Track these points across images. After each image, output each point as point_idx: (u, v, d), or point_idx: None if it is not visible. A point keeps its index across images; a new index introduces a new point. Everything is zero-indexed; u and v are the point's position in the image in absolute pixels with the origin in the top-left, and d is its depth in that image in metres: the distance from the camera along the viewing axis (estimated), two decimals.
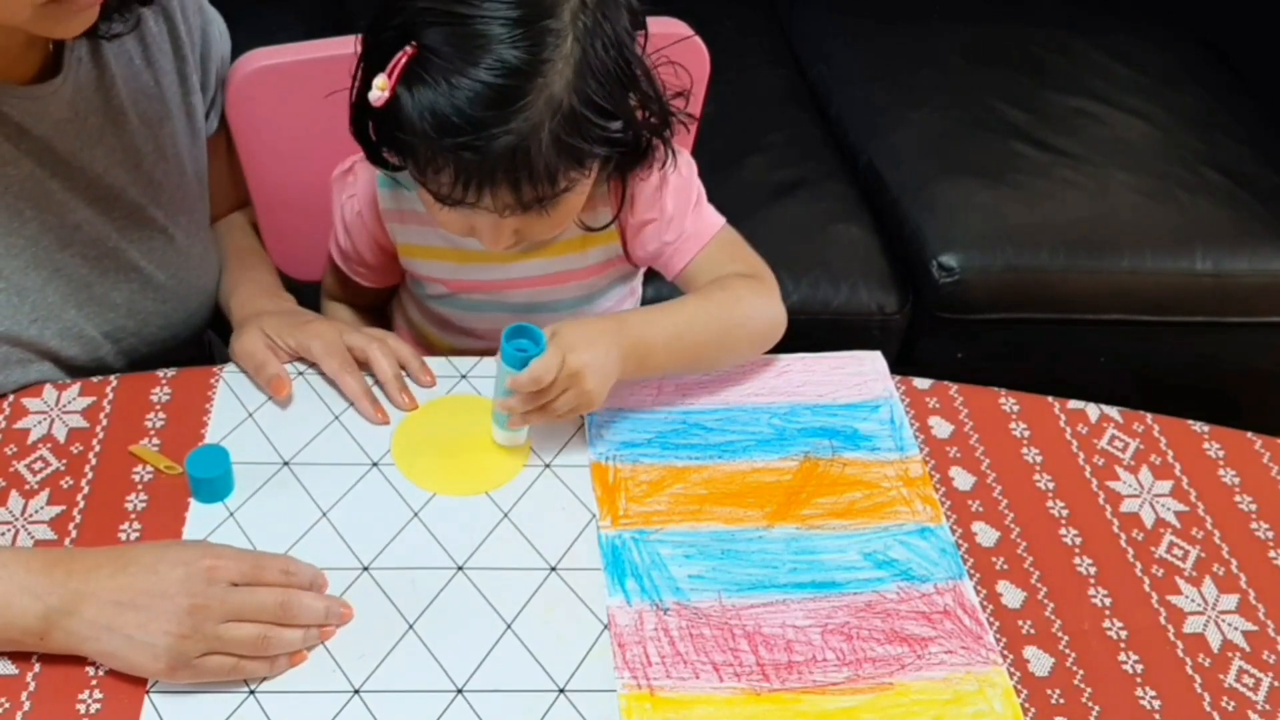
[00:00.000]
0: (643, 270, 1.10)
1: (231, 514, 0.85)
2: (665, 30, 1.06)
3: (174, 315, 1.05)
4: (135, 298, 1.01)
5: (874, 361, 1.02)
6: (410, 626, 0.80)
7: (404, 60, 0.79)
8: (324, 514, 0.86)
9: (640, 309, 0.99)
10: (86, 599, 0.74)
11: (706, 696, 0.78)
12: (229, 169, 1.14)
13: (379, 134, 0.87)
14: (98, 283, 0.98)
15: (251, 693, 0.75)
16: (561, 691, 0.77)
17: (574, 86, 0.80)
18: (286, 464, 0.89)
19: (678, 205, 0.97)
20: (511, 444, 0.92)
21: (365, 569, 0.83)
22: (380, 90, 0.80)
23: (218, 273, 1.11)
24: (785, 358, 1.02)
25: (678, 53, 0.98)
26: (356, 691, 0.76)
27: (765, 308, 0.97)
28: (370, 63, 0.84)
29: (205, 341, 1.17)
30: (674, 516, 0.89)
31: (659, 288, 1.09)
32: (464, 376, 0.98)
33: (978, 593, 0.85)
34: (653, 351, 0.90)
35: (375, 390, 0.95)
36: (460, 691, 0.76)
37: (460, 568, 0.84)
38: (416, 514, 0.87)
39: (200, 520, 0.85)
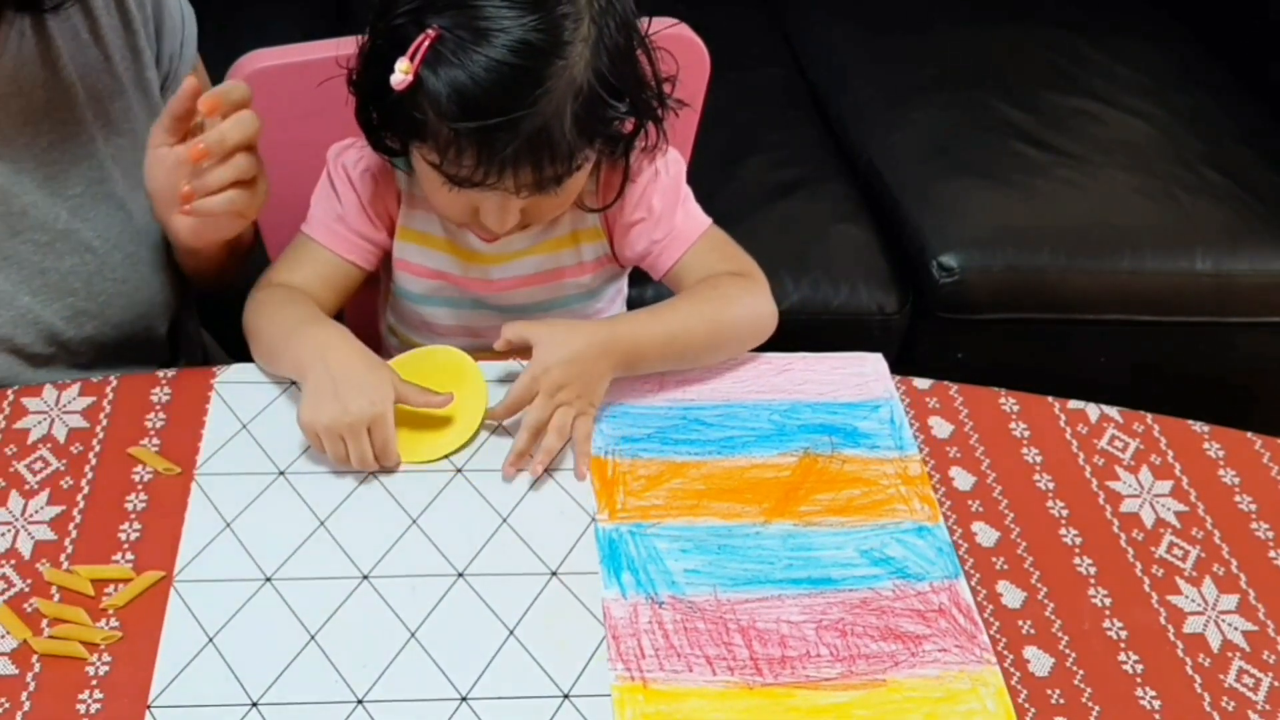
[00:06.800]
0: (629, 269, 1.10)
1: (229, 524, 0.85)
2: (665, 31, 1.06)
3: (136, 295, 1.03)
4: (93, 279, 0.99)
5: (875, 363, 1.03)
6: (412, 635, 0.80)
7: (427, 43, 0.80)
8: (321, 523, 0.86)
9: (630, 314, 1.00)
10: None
11: (699, 689, 0.78)
12: None
13: (394, 120, 0.87)
14: (52, 267, 0.97)
15: (254, 705, 0.75)
16: (566, 697, 0.77)
17: (592, 67, 0.83)
18: (282, 474, 0.89)
19: (665, 203, 0.98)
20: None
21: (365, 577, 0.83)
22: (404, 74, 0.81)
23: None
24: (787, 356, 1.02)
25: (678, 53, 0.98)
26: (360, 701, 0.76)
27: (756, 306, 0.98)
28: (380, 49, 0.84)
29: (188, 331, 1.14)
30: (671, 511, 0.89)
31: (658, 288, 1.09)
32: None
33: (978, 593, 0.85)
34: (645, 355, 0.92)
35: None
36: (464, 699, 0.76)
37: (460, 574, 0.84)
38: (415, 521, 0.87)
39: (199, 524, 0.85)
